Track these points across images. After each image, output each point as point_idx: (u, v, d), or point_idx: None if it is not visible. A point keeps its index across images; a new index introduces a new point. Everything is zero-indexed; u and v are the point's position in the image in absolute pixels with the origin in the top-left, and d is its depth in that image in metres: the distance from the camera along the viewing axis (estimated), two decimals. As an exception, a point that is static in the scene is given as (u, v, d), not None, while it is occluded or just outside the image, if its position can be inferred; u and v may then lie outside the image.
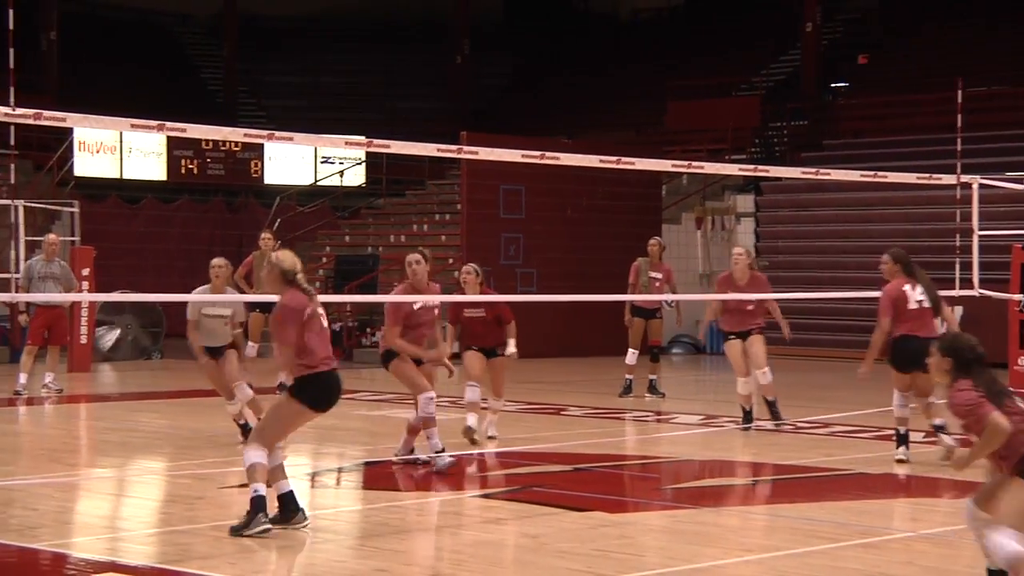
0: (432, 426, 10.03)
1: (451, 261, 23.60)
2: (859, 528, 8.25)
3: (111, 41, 34.17)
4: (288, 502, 7.84)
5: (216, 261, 11.44)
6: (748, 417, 12.79)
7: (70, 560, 7.35)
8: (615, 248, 20.25)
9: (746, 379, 12.66)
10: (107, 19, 35.17)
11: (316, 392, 7.77)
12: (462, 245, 22.68)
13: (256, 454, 7.69)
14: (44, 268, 15.74)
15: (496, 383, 11.54)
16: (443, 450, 9.98)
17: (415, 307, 10.16)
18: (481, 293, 11.45)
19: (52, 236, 16.28)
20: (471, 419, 11.27)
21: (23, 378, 15.41)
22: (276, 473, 7.80)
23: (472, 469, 10.60)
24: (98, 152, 26.95)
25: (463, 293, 11.46)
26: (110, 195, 26.68)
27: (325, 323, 7.93)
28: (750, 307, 12.63)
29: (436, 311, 10.43)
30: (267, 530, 7.62)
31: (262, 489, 7.61)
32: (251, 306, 15.62)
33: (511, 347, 11.31)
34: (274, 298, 8.15)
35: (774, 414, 12.76)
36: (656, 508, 9.30)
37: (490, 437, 11.67)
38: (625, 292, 15.53)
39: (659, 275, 15.60)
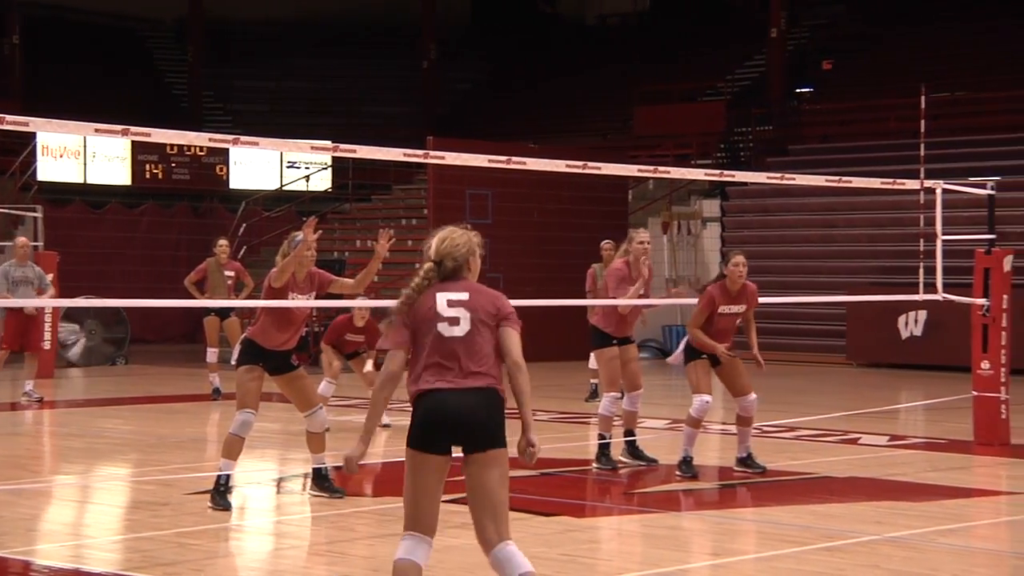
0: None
1: (417, 266, 23.59)
2: (824, 531, 8.28)
3: (75, 45, 33.96)
4: None
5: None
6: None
7: (34, 567, 7.30)
8: (582, 253, 20.26)
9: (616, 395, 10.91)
10: (71, 22, 34.96)
11: None
12: (429, 250, 22.66)
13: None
14: (19, 271, 15.63)
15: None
16: None
17: None
18: (369, 323, 12.97)
19: (22, 239, 16.16)
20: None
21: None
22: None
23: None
24: (62, 157, 26.76)
25: (352, 317, 12.99)
26: (74, 200, 26.51)
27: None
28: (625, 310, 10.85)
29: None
30: None
31: None
32: (205, 311, 15.74)
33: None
34: (228, 303, 8.23)
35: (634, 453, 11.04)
36: (623, 512, 9.31)
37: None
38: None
39: None
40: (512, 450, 5.43)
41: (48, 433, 13.82)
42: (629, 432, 11.06)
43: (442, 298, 5.66)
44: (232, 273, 15.61)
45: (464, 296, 5.72)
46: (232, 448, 8.83)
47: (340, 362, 13.32)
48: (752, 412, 10.45)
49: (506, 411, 5.50)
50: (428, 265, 5.75)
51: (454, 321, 5.64)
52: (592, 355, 15.83)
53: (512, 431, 5.42)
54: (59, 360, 20.31)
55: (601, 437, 10.81)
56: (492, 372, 5.60)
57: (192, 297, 15.34)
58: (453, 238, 5.82)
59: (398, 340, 5.65)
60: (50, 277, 18.63)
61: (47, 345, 19.02)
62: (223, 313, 15.54)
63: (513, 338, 5.74)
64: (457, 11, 38.78)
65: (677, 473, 10.35)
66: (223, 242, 15.99)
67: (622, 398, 10.98)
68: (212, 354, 15.87)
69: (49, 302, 16.89)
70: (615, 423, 10.90)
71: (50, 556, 7.55)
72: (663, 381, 19.60)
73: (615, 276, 10.84)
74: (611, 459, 10.78)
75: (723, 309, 10.33)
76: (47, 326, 18.96)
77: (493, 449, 5.48)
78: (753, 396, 10.42)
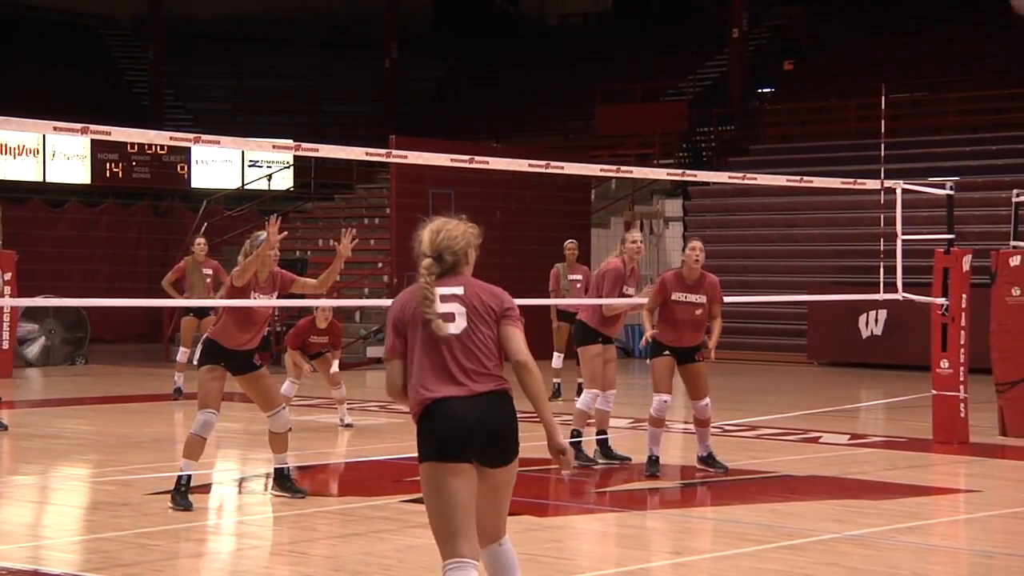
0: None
1: (380, 265, 23.55)
2: (785, 530, 8.32)
3: (33, 42, 33.67)
4: None
5: None
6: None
7: (-9, 569, 7.24)
8: (545, 252, 20.30)
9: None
10: (29, 20, 34.66)
11: None
12: (391, 249, 22.64)
13: None
14: None
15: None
16: None
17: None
18: (332, 323, 13.08)
19: None
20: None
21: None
22: None
23: (400, 474, 10.57)
24: (20, 155, 26.55)
25: (315, 319, 12.97)
26: (32, 199, 26.31)
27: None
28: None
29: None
30: None
31: None
32: (184, 311, 15.65)
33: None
34: (206, 303, 8.14)
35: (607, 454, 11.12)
36: (585, 512, 9.32)
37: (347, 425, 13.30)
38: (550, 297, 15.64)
39: (578, 277, 15.75)
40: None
41: (5, 433, 13.70)
42: (602, 432, 11.07)
43: (435, 294, 5.11)
44: (210, 271, 15.51)
45: (459, 290, 5.14)
46: (193, 448, 8.79)
47: (308, 365, 13.28)
48: (705, 416, 10.52)
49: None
50: (427, 262, 5.14)
51: (448, 317, 5.09)
52: (555, 354, 15.93)
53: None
54: (17, 359, 20.15)
55: (575, 434, 10.81)
56: (496, 372, 5.16)
57: (164, 296, 15.23)
58: (448, 230, 5.19)
59: (391, 348, 5.14)
60: (8, 276, 18.52)
61: (5, 344, 18.89)
62: (201, 312, 15.40)
63: (516, 336, 5.21)
64: (419, 10, 38.72)
65: (645, 473, 10.38)
66: (201, 240, 15.92)
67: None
68: (183, 354, 15.63)
69: (8, 301, 16.81)
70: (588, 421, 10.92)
71: (8, 557, 7.49)
72: (626, 380, 19.64)
73: (611, 275, 10.82)
74: (584, 455, 10.78)
75: (677, 296, 10.33)
76: (5, 325, 18.82)
77: (512, 462, 5.16)
78: (706, 401, 10.48)
